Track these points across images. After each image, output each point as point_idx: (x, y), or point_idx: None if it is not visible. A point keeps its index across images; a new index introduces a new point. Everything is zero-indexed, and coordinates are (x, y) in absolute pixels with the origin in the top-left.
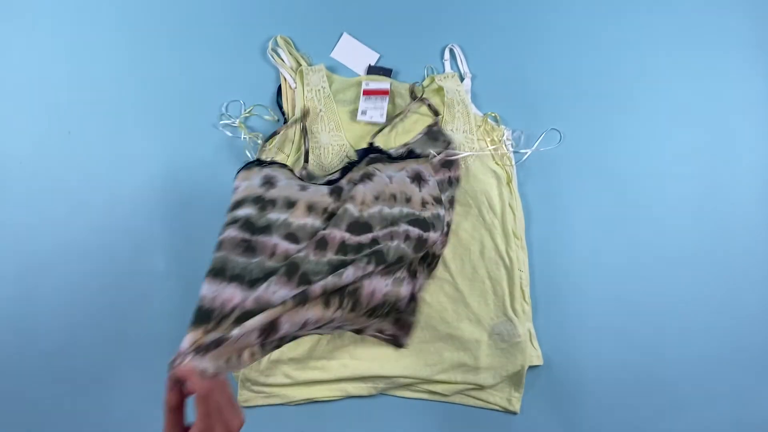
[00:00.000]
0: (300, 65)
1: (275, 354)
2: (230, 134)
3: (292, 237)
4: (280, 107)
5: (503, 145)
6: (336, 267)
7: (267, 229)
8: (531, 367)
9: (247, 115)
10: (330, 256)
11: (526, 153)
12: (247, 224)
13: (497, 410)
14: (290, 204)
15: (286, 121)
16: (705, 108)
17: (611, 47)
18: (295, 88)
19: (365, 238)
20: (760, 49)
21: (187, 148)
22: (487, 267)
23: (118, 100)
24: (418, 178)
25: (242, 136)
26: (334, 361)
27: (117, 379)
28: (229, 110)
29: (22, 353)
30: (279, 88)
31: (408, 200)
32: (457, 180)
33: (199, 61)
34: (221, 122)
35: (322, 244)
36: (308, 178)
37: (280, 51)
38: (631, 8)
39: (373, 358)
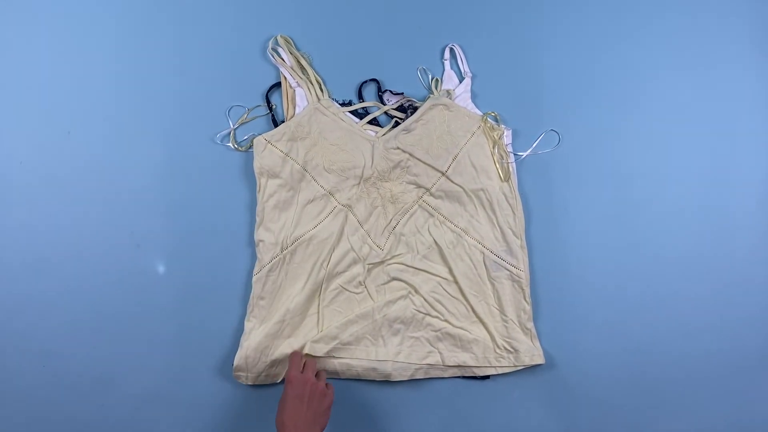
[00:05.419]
0: (301, 63)
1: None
2: (233, 147)
3: None
4: (269, 102)
5: (503, 144)
6: None
7: None
8: (533, 366)
9: (244, 121)
10: None
11: (524, 154)
12: None
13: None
14: None
15: (273, 116)
16: (705, 108)
17: (611, 47)
18: (296, 87)
19: None
20: (760, 49)
21: (187, 147)
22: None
23: (117, 101)
24: None
25: (232, 146)
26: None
27: (117, 379)
28: (231, 116)
29: (22, 353)
30: (273, 85)
31: None
32: None
33: (198, 61)
34: (218, 135)
35: None
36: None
37: (280, 50)
38: (631, 8)
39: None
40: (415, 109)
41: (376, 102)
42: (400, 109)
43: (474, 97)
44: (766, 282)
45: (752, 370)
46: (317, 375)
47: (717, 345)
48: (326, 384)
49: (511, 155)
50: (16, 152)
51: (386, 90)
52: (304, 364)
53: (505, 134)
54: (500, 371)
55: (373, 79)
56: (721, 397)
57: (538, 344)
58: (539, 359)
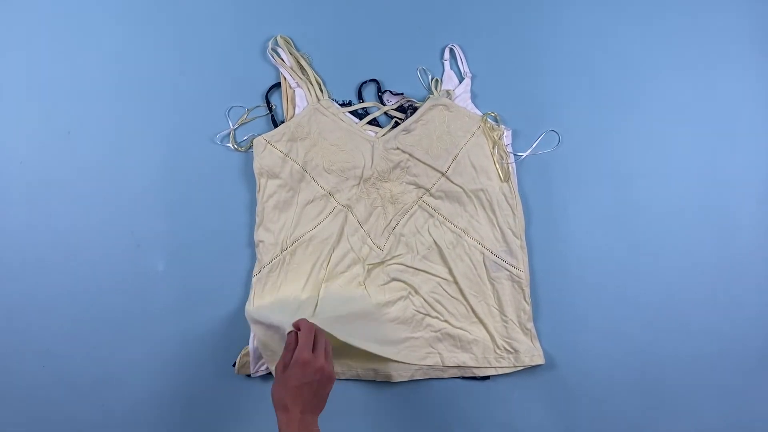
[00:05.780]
0: (300, 64)
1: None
2: (233, 147)
3: None
4: (268, 102)
5: (502, 145)
6: None
7: None
8: (533, 366)
9: (244, 122)
10: None
11: (523, 155)
12: None
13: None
14: None
15: (273, 117)
16: (705, 107)
17: (610, 47)
18: (296, 87)
19: None
20: (760, 49)
21: (187, 147)
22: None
23: (117, 101)
24: None
25: (232, 147)
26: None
27: (117, 379)
28: (230, 116)
29: (22, 353)
30: (273, 85)
31: None
32: None
33: (198, 61)
34: (217, 135)
35: None
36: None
37: (279, 51)
38: (630, 8)
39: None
40: (415, 109)
41: (375, 102)
42: (400, 109)
43: (474, 97)
44: (766, 282)
45: (752, 371)
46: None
47: (717, 345)
48: None
49: (511, 155)
50: (16, 152)
51: (386, 90)
52: (315, 342)
53: (504, 134)
54: (500, 371)
55: (373, 80)
56: (721, 397)
57: (538, 344)
58: (539, 359)
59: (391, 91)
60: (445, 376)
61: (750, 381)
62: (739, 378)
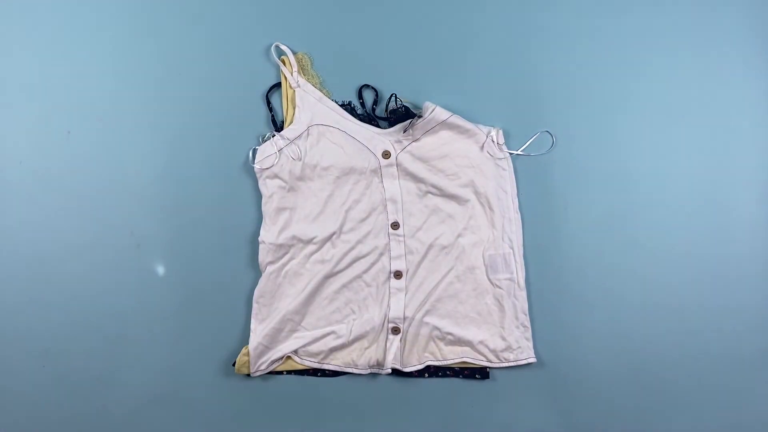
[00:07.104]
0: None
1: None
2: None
3: None
4: (269, 102)
5: (501, 146)
6: None
7: None
8: (532, 366)
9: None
10: None
11: (516, 152)
12: None
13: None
14: None
15: (273, 117)
16: (703, 108)
17: (608, 47)
18: (296, 87)
19: None
20: (758, 48)
21: (187, 147)
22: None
23: (117, 100)
24: None
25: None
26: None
27: (117, 379)
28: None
29: (22, 353)
30: (273, 85)
31: None
32: None
33: (198, 61)
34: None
35: None
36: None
37: (281, 49)
38: (627, 8)
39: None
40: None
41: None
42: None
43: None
44: (766, 282)
45: (752, 370)
46: None
47: (716, 345)
48: None
49: (508, 155)
50: (16, 152)
51: (396, 108)
52: None
53: (495, 133)
54: (496, 365)
55: (370, 87)
56: (720, 397)
57: (531, 344)
58: (532, 358)
59: (398, 109)
60: (445, 375)
61: (750, 381)
62: (739, 378)
